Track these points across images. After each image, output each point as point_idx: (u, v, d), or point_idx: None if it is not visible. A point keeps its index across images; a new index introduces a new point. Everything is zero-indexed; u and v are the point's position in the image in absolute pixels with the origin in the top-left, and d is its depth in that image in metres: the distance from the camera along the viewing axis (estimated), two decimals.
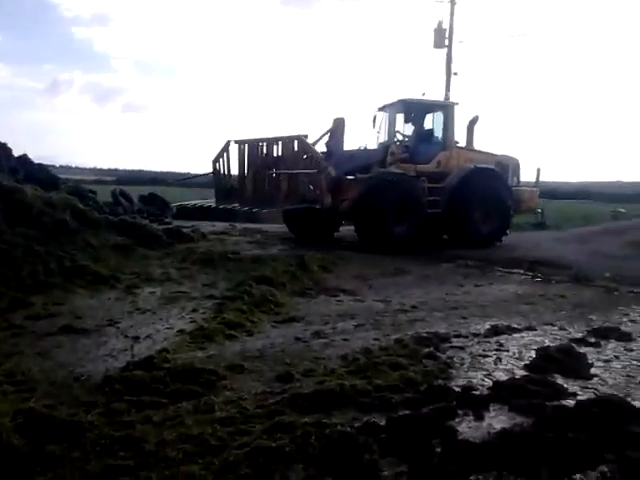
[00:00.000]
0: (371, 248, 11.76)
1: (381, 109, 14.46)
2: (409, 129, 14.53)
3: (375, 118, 14.49)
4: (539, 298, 7.74)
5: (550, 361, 4.68)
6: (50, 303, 6.43)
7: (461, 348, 5.17)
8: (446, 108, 14.23)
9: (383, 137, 14.37)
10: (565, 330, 5.93)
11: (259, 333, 5.54)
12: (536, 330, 5.91)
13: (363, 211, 12.18)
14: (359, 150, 13.76)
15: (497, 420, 3.53)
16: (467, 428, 3.41)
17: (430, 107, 14.47)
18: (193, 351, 4.85)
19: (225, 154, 14.39)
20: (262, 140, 13.63)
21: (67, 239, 8.62)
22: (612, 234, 18.90)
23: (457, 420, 3.52)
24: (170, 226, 14.31)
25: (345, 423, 3.42)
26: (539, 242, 14.53)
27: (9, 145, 13.43)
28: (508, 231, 14.39)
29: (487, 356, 4.94)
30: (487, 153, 14.63)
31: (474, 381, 4.27)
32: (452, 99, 14.68)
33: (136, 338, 5.25)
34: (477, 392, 4.00)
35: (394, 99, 14.13)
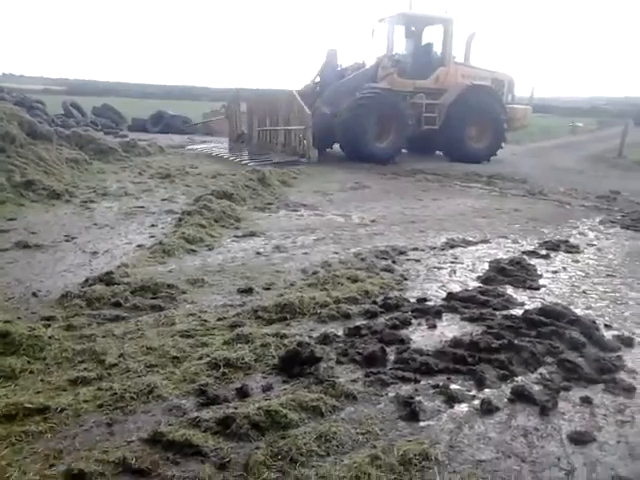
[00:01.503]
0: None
1: (381, 21, 14.16)
2: (409, 44, 14.42)
3: (374, 31, 14.31)
4: (495, 212, 7.94)
5: (502, 273, 4.87)
6: (2, 218, 6.26)
7: (417, 261, 5.31)
8: (446, 22, 13.94)
9: (382, 50, 14.11)
10: (518, 243, 6.14)
11: (219, 247, 5.56)
12: (490, 243, 6.10)
13: (344, 129, 12.45)
14: (351, 75, 13.58)
15: (449, 329, 3.71)
16: (420, 337, 3.57)
17: (429, 20, 14.21)
18: (153, 266, 4.85)
19: (235, 101, 15.01)
20: (265, 92, 14.11)
21: (16, 152, 8.27)
22: (568, 148, 19.25)
23: (411, 329, 3.68)
24: (126, 139, 13.90)
25: (303, 334, 3.54)
26: (498, 157, 14.71)
27: None
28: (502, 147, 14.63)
29: (442, 268, 5.11)
30: (484, 69, 14.56)
31: (428, 292, 4.43)
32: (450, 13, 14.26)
33: (94, 253, 5.20)
34: (431, 303, 4.16)
35: (394, 11, 13.93)
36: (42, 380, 2.87)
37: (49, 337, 3.31)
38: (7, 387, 2.77)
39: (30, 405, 2.56)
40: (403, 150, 14.21)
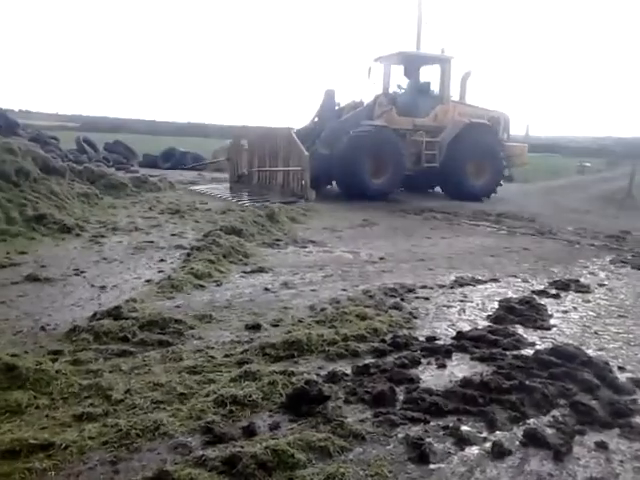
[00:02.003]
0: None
1: (377, 60, 14.30)
2: (406, 83, 14.71)
3: (370, 69, 14.29)
4: (504, 250, 7.92)
5: (512, 312, 4.83)
6: (13, 252, 6.31)
7: (426, 299, 5.28)
8: (443, 61, 14.10)
9: (378, 89, 14.29)
10: (528, 282, 6.10)
11: (228, 283, 5.55)
12: (500, 282, 6.06)
13: (340, 165, 12.50)
14: (348, 114, 13.69)
15: (459, 369, 3.65)
16: (430, 376, 3.52)
17: (427, 60, 14.40)
18: (161, 301, 4.84)
19: (236, 141, 14.94)
20: (265, 131, 13.76)
21: (29, 187, 8.39)
22: (576, 188, 19.28)
23: (420, 369, 3.63)
24: (137, 174, 14.08)
25: (311, 371, 3.50)
26: (505, 195, 14.76)
27: None
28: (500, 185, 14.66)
29: (451, 307, 5.07)
30: (480, 108, 14.72)
31: (438, 331, 4.39)
32: (447, 52, 14.56)
33: (103, 287, 5.21)
34: (440, 342, 4.12)
35: (391, 51, 14.12)
36: (47, 415, 2.85)
37: (56, 371, 3.28)
38: (12, 422, 2.74)
39: (35, 441, 2.53)
40: (401, 188, 14.26)
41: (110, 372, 3.39)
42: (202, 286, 5.37)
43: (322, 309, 4.76)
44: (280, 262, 6.58)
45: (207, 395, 3.11)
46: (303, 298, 5.16)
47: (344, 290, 5.47)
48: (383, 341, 4.04)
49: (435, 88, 14.31)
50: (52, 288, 5.13)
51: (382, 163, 12.84)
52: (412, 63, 14.28)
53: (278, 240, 7.86)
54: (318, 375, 3.43)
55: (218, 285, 5.46)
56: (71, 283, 5.33)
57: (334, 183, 14.13)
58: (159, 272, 5.82)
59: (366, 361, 3.67)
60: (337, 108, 14.15)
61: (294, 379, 3.32)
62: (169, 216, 9.44)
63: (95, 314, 4.30)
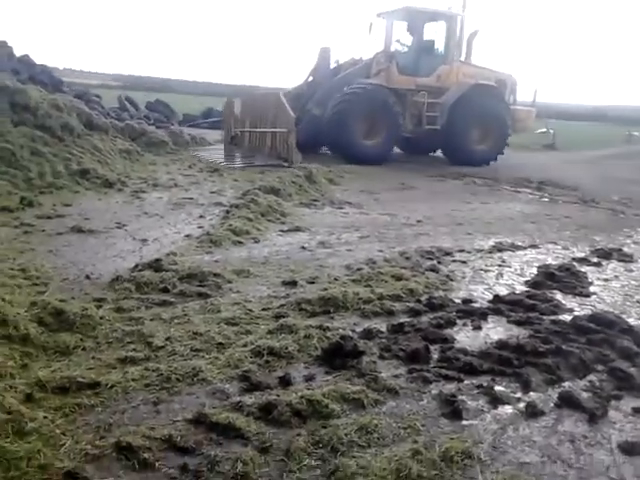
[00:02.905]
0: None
1: (379, 15, 13.52)
2: (409, 40, 13.72)
3: (371, 25, 13.57)
4: (545, 218, 7.76)
5: (551, 278, 4.76)
6: (59, 204, 6.50)
7: (464, 262, 5.25)
8: (449, 19, 13.34)
9: (380, 46, 13.47)
10: (568, 249, 5.99)
11: (265, 241, 5.62)
12: (539, 248, 5.97)
13: (329, 126, 11.88)
14: (345, 72, 13.01)
15: (494, 331, 3.65)
16: (465, 337, 3.53)
17: (432, 16, 13.48)
18: (200, 255, 4.94)
19: (230, 102, 14.18)
20: (255, 94, 13.31)
21: (73, 142, 8.56)
22: (623, 158, 18.65)
23: (455, 329, 3.64)
24: (177, 133, 14.18)
25: (347, 327, 3.55)
26: (548, 163, 14.40)
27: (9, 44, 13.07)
28: (506, 151, 14.05)
29: (489, 271, 5.03)
30: (487, 69, 13.96)
31: (474, 294, 4.37)
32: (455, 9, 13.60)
33: (144, 241, 5.33)
34: (477, 304, 4.11)
35: (394, 5, 13.27)
36: (93, 357, 2.97)
37: (100, 317, 3.41)
38: (61, 362, 2.87)
39: (82, 380, 2.65)
40: (398, 150, 13.68)
41: (151, 320, 3.50)
42: (240, 242, 5.44)
43: (358, 269, 4.78)
44: (317, 222, 6.60)
45: (244, 345, 3.18)
46: (339, 257, 5.19)
47: (380, 251, 5.47)
48: (419, 301, 4.05)
49: (440, 47, 13.53)
50: (95, 240, 5.28)
51: (375, 124, 12.23)
52: (416, 19, 13.29)
53: (315, 200, 7.87)
54: (353, 331, 3.48)
55: (256, 242, 5.53)
56: (113, 235, 5.47)
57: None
58: (198, 228, 5.91)
59: (401, 320, 3.69)
60: (335, 66, 13.42)
61: (329, 334, 3.37)
62: (208, 174, 9.54)
63: (137, 265, 4.42)
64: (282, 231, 6.06)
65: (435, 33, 13.66)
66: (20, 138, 7.74)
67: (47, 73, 16.17)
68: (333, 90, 12.40)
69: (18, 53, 14.06)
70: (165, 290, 4.00)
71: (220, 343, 3.21)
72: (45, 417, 2.35)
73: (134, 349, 3.08)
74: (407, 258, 5.18)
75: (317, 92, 12.67)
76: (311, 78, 13.40)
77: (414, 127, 13.06)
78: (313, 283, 4.39)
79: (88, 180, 7.65)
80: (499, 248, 5.83)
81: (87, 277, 4.22)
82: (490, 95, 13.15)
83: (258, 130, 12.32)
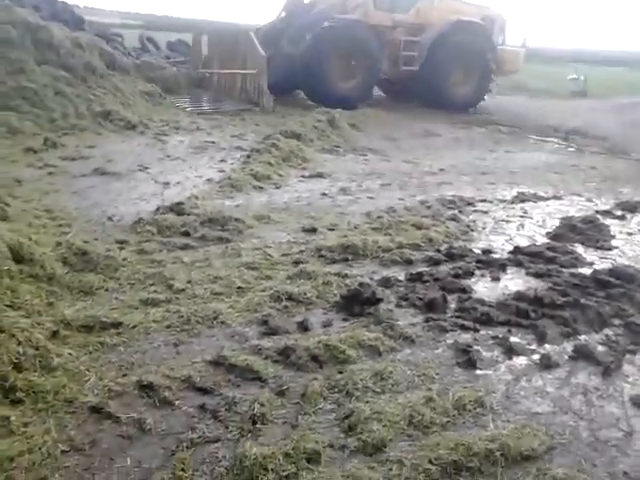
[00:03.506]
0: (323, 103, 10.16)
1: None
2: None
3: None
4: (570, 168, 7.60)
5: (572, 231, 4.71)
6: (82, 145, 6.54)
7: (485, 212, 5.20)
8: None
9: None
10: (592, 202, 5.88)
11: (286, 186, 5.61)
12: (562, 200, 5.87)
13: (303, 66, 10.73)
14: (320, 7, 11.76)
15: (513, 283, 3.64)
16: (483, 288, 3.54)
17: None
18: (221, 199, 4.96)
19: (199, 41, 12.90)
20: (223, 30, 12.24)
21: (96, 83, 8.51)
22: None
23: (474, 280, 3.64)
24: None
25: (365, 275, 3.58)
26: (577, 111, 13.90)
27: None
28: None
29: (510, 222, 4.98)
30: (473, 4, 12.67)
31: (494, 245, 4.35)
32: None
33: (166, 184, 5.37)
34: (496, 255, 4.09)
35: None
36: (116, 298, 3.05)
37: (123, 259, 3.49)
38: (85, 301, 2.96)
39: (106, 319, 2.74)
40: (381, 94, 12.79)
41: (172, 263, 3.56)
42: (261, 188, 5.45)
43: (378, 217, 4.77)
44: (338, 168, 6.55)
45: (264, 290, 3.24)
46: (360, 205, 5.17)
47: (401, 199, 5.44)
48: (438, 251, 4.05)
49: None
50: (118, 182, 5.33)
51: (352, 65, 11.08)
52: None
53: (337, 146, 7.78)
54: (371, 279, 3.50)
55: (277, 188, 5.53)
56: (136, 178, 5.51)
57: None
58: (220, 172, 5.91)
59: (420, 269, 3.70)
60: (311, 0, 12.12)
61: (348, 281, 3.41)
62: (230, 118, 9.45)
63: (158, 208, 4.46)
64: (303, 177, 6.03)
65: None
66: (44, 77, 7.72)
67: (68, 11, 15.90)
68: (307, 26, 11.13)
69: None
70: (186, 234, 4.05)
71: (240, 287, 3.28)
72: (70, 354, 2.45)
73: (155, 291, 3.16)
74: (428, 207, 5.15)
75: (290, 29, 11.43)
76: (284, 13, 12.12)
77: (390, 68, 11.93)
78: (333, 230, 4.40)
79: (111, 122, 7.65)
80: (521, 199, 5.74)
81: (110, 219, 4.29)
82: (473, 33, 11.92)
83: (226, 72, 11.27)
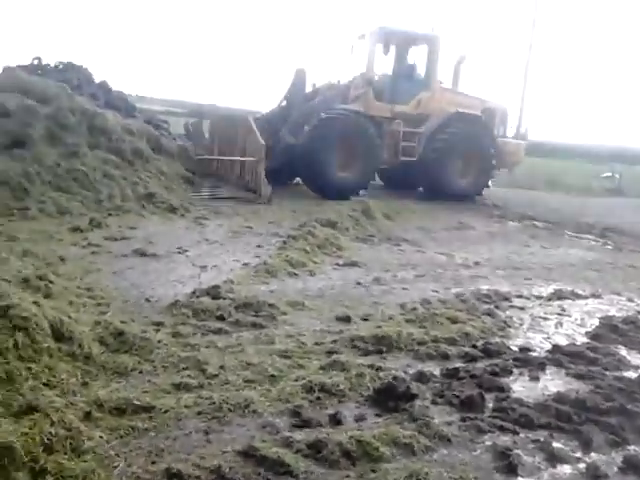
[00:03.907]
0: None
1: (361, 37, 12.51)
2: (389, 64, 12.56)
3: (353, 48, 12.56)
4: (608, 266, 7.48)
5: (614, 331, 4.57)
6: (125, 226, 6.78)
7: (521, 309, 5.11)
8: (431, 41, 12.19)
9: (361, 70, 12.28)
10: (633, 302, 5.74)
11: (320, 274, 5.65)
12: (602, 298, 5.75)
13: (302, 155, 10.82)
14: (321, 97, 11.91)
15: (553, 383, 3.52)
16: (521, 387, 3.42)
17: (413, 38, 12.42)
18: (257, 284, 5.01)
19: (199, 123, 13.14)
20: (224, 116, 12.11)
21: (142, 166, 8.92)
22: None
23: (512, 378, 3.53)
24: None
25: (399, 368, 3.50)
26: (613, 208, 13.88)
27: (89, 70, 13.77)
28: (491, 185, 13.00)
29: (548, 319, 4.87)
30: (474, 97, 12.82)
31: (532, 342, 4.24)
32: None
33: (203, 267, 5.47)
34: (535, 353, 3.98)
35: (374, 26, 12.17)
36: (149, 381, 3.04)
37: (158, 341, 3.51)
38: (119, 383, 2.96)
39: (138, 403, 2.72)
40: (380, 183, 12.92)
41: (206, 347, 3.56)
42: (296, 274, 5.50)
43: (413, 308, 4.73)
44: (372, 258, 6.60)
45: (296, 380, 3.19)
46: (394, 295, 5.16)
47: (436, 291, 5.41)
48: (474, 346, 3.96)
49: (421, 71, 12.39)
50: (157, 263, 5.46)
51: (352, 154, 11.12)
52: (397, 41, 12.15)
53: (371, 236, 7.87)
54: (406, 373, 3.43)
55: (311, 275, 5.57)
56: (174, 260, 5.64)
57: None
58: (256, 257, 6.01)
59: (456, 364, 3.62)
60: (312, 90, 12.23)
61: (382, 374, 3.34)
62: (267, 204, 9.68)
63: (195, 291, 4.52)
64: (338, 265, 6.08)
65: (416, 56, 12.66)
66: (94, 160, 8.14)
67: (122, 98, 16.95)
68: (307, 116, 11.30)
69: (97, 78, 14.79)
70: (221, 318, 4.07)
71: (272, 375, 3.24)
72: (101, 437, 2.42)
73: (188, 375, 3.14)
74: (463, 300, 5.10)
75: (290, 118, 11.54)
76: (285, 102, 12.12)
77: (390, 158, 12.01)
78: (367, 320, 4.37)
79: (154, 204, 7.95)
80: (559, 296, 5.64)
81: (147, 300, 4.36)
82: (473, 125, 12.08)
83: (224, 158, 11.08)
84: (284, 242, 6.62)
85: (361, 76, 11.94)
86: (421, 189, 12.89)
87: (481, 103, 12.78)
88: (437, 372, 3.50)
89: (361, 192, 11.38)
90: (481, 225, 9.97)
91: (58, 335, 3.04)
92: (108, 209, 7.40)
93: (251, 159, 10.14)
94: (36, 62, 12.59)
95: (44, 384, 2.62)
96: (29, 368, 2.66)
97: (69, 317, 3.35)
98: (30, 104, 8.09)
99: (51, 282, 4.05)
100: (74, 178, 7.70)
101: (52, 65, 12.92)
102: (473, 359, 3.75)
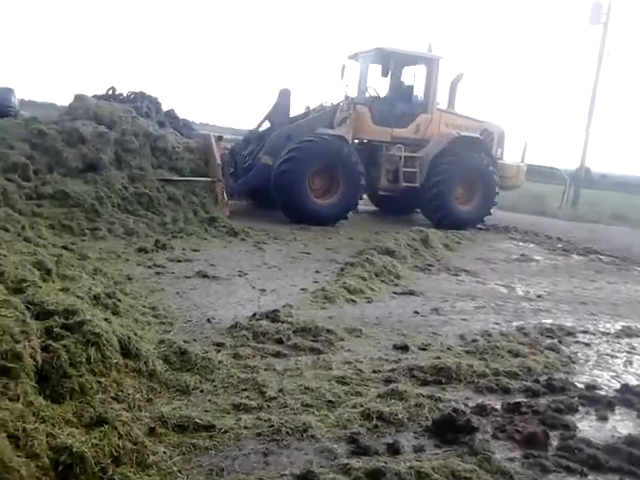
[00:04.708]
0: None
1: (352, 58, 12.14)
2: (385, 86, 11.96)
3: (344, 68, 12.00)
4: None
5: None
6: (188, 249, 6.98)
7: (587, 345, 4.93)
8: (429, 62, 11.73)
9: (352, 92, 12.00)
10: None
11: (378, 301, 5.63)
12: None
13: (277, 181, 10.23)
14: (302, 120, 11.33)
15: (623, 425, 3.36)
16: (588, 427, 3.29)
17: (410, 59, 11.90)
18: (315, 310, 5.05)
19: None
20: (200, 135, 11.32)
21: (204, 189, 9.13)
22: None
23: (578, 417, 3.40)
24: None
25: (459, 400, 3.44)
26: None
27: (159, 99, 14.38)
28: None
29: (616, 357, 4.68)
30: (472, 119, 12.38)
31: (599, 380, 4.08)
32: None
33: (262, 290, 5.55)
34: (602, 392, 3.82)
35: (368, 47, 11.75)
36: (210, 400, 3.10)
37: (219, 362, 3.58)
38: (181, 400, 3.03)
39: (199, 421, 2.78)
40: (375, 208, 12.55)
41: (265, 370, 3.60)
42: (353, 301, 5.50)
43: (473, 340, 4.65)
44: (431, 287, 6.53)
45: (354, 406, 3.18)
46: (453, 326, 5.08)
47: (496, 324, 5.29)
48: (537, 381, 3.84)
49: (419, 93, 11.93)
50: (218, 285, 5.58)
51: (333, 181, 10.63)
52: (392, 62, 11.54)
53: (430, 265, 7.79)
54: (466, 405, 3.36)
55: (369, 302, 5.56)
56: (235, 283, 5.75)
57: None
58: (314, 282, 6.06)
59: (517, 399, 3.51)
60: (305, 111, 11.79)
61: (441, 405, 3.29)
62: (325, 231, 9.77)
63: (255, 314, 4.60)
64: (395, 293, 6.05)
65: (414, 78, 12.11)
66: (158, 182, 8.43)
67: (188, 126, 17.59)
68: (286, 138, 10.69)
69: (166, 107, 15.38)
70: (280, 341, 4.11)
71: (330, 401, 3.24)
72: (164, 452, 2.48)
73: (248, 397, 3.19)
74: (525, 334, 4.96)
75: (269, 138, 11.00)
76: (266, 123, 11.63)
77: (391, 184, 11.58)
78: (425, 350, 4.32)
79: (215, 228, 8.17)
80: (627, 333, 5.41)
81: (208, 321, 4.45)
82: (474, 149, 11.63)
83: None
84: (342, 269, 6.66)
85: (346, 99, 11.46)
86: (419, 212, 12.48)
87: (479, 124, 12.37)
88: (498, 406, 3.41)
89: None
90: (544, 257, 9.71)
91: (125, 351, 3.15)
92: (172, 231, 7.66)
93: (206, 179, 9.31)
94: (110, 92, 13.28)
95: (113, 398, 2.72)
96: (99, 382, 2.77)
97: (135, 334, 3.47)
98: (102, 130, 8.49)
99: (119, 300, 4.20)
100: (139, 201, 8.02)
101: (124, 94, 13.59)
102: (536, 394, 3.64)
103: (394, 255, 7.60)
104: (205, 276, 5.82)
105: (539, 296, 6.70)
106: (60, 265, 4.73)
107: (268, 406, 3.11)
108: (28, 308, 2.92)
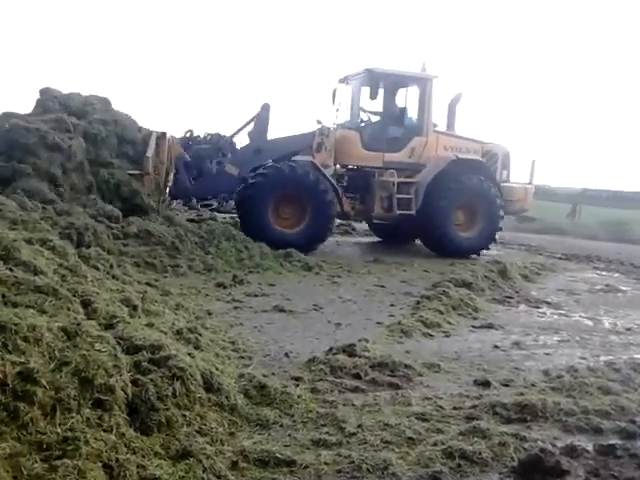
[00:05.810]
0: None
1: (342, 81, 11.75)
2: (376, 109, 11.54)
3: (335, 92, 11.78)
4: None
5: None
6: (264, 283, 7.15)
7: None
8: (423, 82, 11.19)
9: (344, 116, 11.70)
10: None
11: (456, 335, 5.52)
12: None
13: (241, 205, 10.22)
14: (277, 138, 11.04)
15: None
16: None
17: (403, 80, 11.36)
18: (391, 344, 5.01)
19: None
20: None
21: None
22: None
23: None
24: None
25: (546, 440, 3.28)
26: None
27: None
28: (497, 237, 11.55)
29: None
30: (473, 140, 11.70)
31: None
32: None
33: (338, 324, 5.58)
34: None
35: (359, 69, 11.31)
36: (289, 435, 3.12)
37: (297, 396, 3.60)
38: (262, 435, 3.07)
39: (280, 456, 2.80)
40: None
41: (344, 405, 3.59)
42: (430, 335, 5.42)
43: (558, 376, 4.44)
44: (511, 320, 6.33)
45: (435, 444, 3.10)
46: (536, 361, 4.89)
47: (583, 358, 5.05)
48: (632, 422, 3.61)
49: (413, 115, 11.41)
50: (295, 319, 5.66)
51: (302, 208, 10.16)
52: (382, 83, 11.11)
53: (509, 297, 7.57)
54: (554, 445, 3.20)
55: (446, 336, 5.46)
56: (311, 317, 5.81)
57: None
58: (389, 316, 6.02)
59: (611, 441, 3.31)
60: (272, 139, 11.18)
61: (527, 444, 3.15)
62: (398, 263, 9.70)
63: (331, 349, 4.61)
64: (474, 327, 5.91)
65: (406, 99, 11.60)
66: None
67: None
68: (256, 151, 10.55)
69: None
70: (357, 376, 4.10)
71: (410, 438, 3.18)
72: None
73: (327, 432, 3.18)
74: (616, 370, 4.69)
75: (236, 149, 10.89)
76: (241, 134, 11.41)
77: (385, 212, 11.03)
78: (507, 386, 4.17)
79: (290, 262, 8.33)
80: None
81: (286, 355, 4.51)
82: (474, 171, 10.95)
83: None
84: (418, 302, 6.58)
85: (321, 125, 11.09)
86: (417, 241, 11.96)
87: (481, 146, 11.67)
88: (590, 447, 3.22)
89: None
90: (631, 288, 9.21)
91: (208, 386, 3.23)
92: (249, 267, 7.87)
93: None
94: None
95: (197, 431, 2.79)
96: (184, 415, 2.85)
97: (217, 369, 3.56)
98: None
99: (200, 335, 4.33)
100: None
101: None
102: (631, 436, 3.41)
103: (471, 287, 7.46)
104: (282, 310, 5.92)
105: (628, 329, 6.34)
106: (145, 301, 4.95)
107: (347, 442, 3.09)
108: (119, 343, 3.06)
